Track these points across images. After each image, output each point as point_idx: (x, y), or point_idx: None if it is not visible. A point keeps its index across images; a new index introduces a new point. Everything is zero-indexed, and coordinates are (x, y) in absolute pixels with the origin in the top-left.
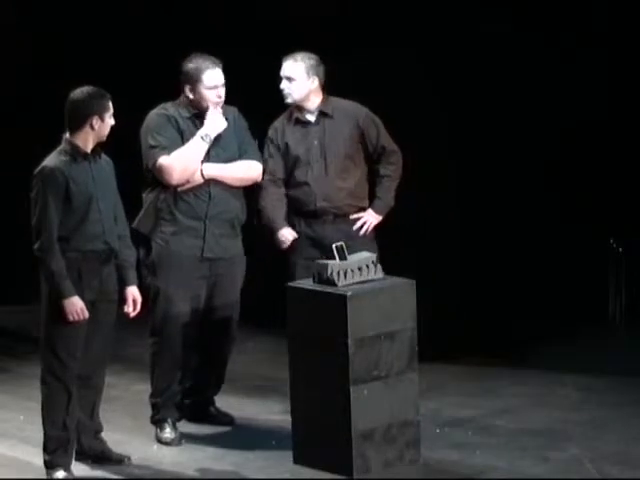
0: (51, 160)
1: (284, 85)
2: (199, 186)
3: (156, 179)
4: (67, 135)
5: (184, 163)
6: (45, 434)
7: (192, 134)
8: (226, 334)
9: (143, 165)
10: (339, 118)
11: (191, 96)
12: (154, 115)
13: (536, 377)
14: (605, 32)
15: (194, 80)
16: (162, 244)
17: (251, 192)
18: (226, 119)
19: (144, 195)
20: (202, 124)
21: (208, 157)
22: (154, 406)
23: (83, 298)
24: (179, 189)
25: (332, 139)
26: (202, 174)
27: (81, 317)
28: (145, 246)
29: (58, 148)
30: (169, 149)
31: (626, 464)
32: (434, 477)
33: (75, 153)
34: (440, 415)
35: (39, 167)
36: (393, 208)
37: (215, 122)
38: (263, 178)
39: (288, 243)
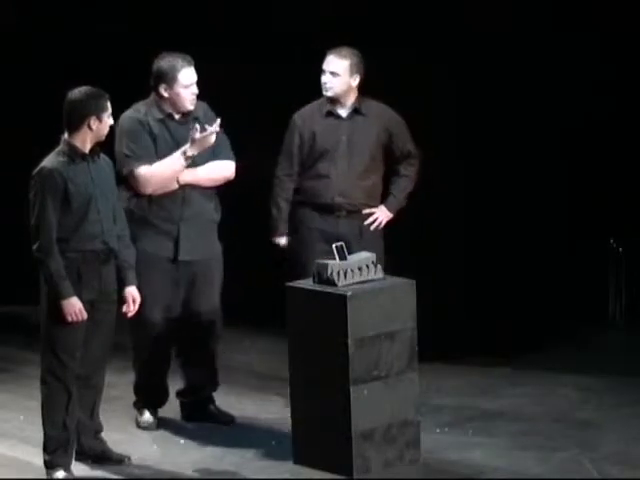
0: (49, 161)
1: (327, 79)
2: (173, 190)
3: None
4: (65, 136)
5: (161, 177)
6: (45, 434)
7: (164, 138)
8: (208, 333)
9: (116, 168)
10: (370, 118)
11: (166, 95)
12: (127, 119)
13: (536, 377)
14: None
15: (169, 78)
16: (135, 246)
17: (224, 191)
18: (195, 118)
19: (119, 191)
20: (174, 126)
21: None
22: (136, 393)
23: (82, 298)
24: (153, 193)
25: (361, 137)
26: (177, 180)
27: (80, 318)
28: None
29: (56, 149)
30: (143, 158)
31: (626, 464)
32: (434, 477)
33: (73, 154)
34: (440, 415)
35: (37, 168)
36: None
37: (203, 144)
38: (277, 174)
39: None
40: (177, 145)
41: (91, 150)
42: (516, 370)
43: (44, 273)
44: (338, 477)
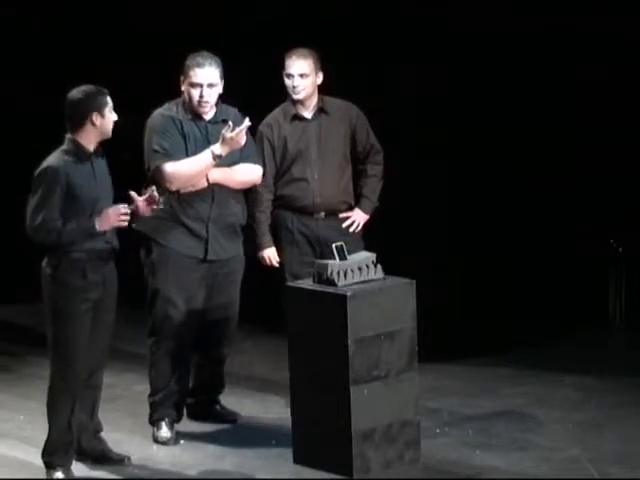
0: (55, 160)
1: (297, 82)
2: (202, 189)
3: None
4: (70, 135)
5: (188, 174)
6: (49, 435)
7: (195, 137)
8: (225, 334)
9: (145, 165)
10: (335, 116)
11: (183, 91)
12: (159, 116)
13: (536, 377)
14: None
15: (185, 75)
16: (163, 244)
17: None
18: (223, 121)
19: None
20: (206, 125)
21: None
22: (152, 405)
23: (89, 297)
24: (182, 191)
25: (330, 136)
26: (207, 178)
27: (123, 210)
28: (145, 246)
29: (60, 148)
30: (172, 155)
31: (626, 464)
32: (434, 477)
33: (79, 152)
34: (440, 415)
35: (41, 167)
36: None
37: (233, 145)
38: (252, 187)
39: (268, 263)
40: (208, 144)
41: (95, 150)
42: (516, 370)
43: (64, 239)
44: (338, 477)
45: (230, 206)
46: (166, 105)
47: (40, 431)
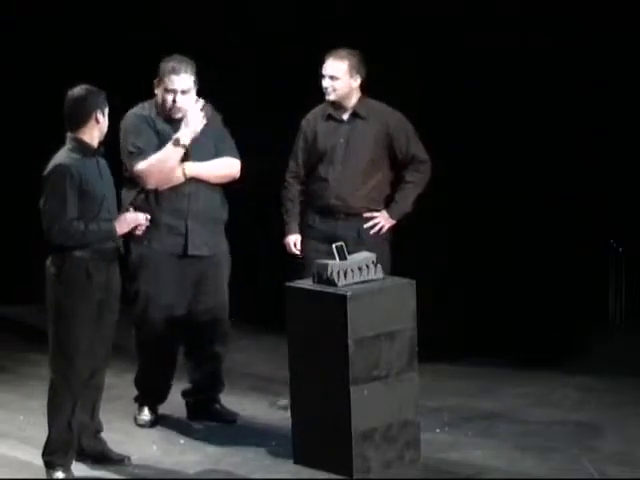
0: (63, 159)
1: (327, 83)
2: (180, 184)
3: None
4: (72, 133)
5: (159, 169)
6: (49, 434)
7: (169, 135)
8: (216, 332)
9: (122, 165)
10: (371, 121)
11: (158, 95)
12: (132, 116)
13: (536, 377)
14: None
15: (159, 79)
16: (143, 244)
17: (231, 190)
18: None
19: (123, 193)
20: (177, 123)
21: (187, 157)
22: (136, 389)
23: (93, 298)
24: (160, 189)
25: (359, 141)
26: (184, 173)
27: (141, 222)
28: (125, 247)
29: (65, 147)
30: (147, 154)
31: (626, 464)
32: (434, 477)
33: (84, 150)
34: (440, 415)
35: (51, 166)
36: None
37: (190, 126)
38: (286, 177)
39: (290, 250)
40: None
41: (97, 147)
42: (516, 370)
43: (86, 240)
44: (338, 477)
45: (209, 201)
46: (140, 105)
47: (40, 431)
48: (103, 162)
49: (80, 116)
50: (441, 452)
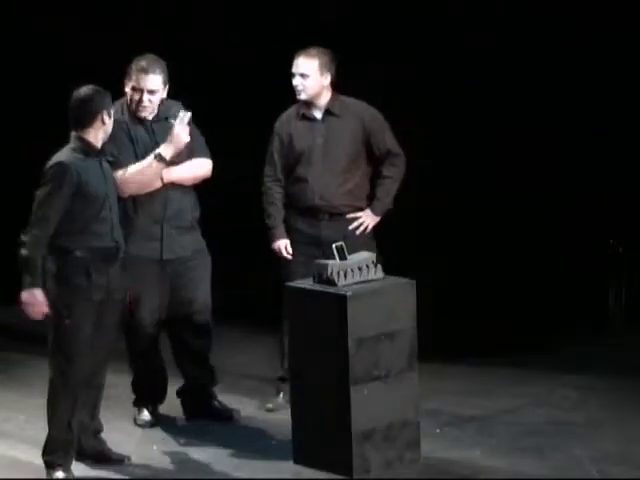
0: (65, 157)
1: (297, 82)
2: (157, 190)
3: None
4: (77, 133)
5: (138, 182)
6: (49, 434)
7: (142, 139)
8: (200, 330)
9: None
10: (345, 118)
11: (126, 92)
12: None
13: (536, 377)
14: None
15: (128, 77)
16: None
17: (202, 189)
18: (166, 119)
19: None
20: (152, 125)
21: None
22: (134, 392)
23: (92, 298)
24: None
25: (336, 138)
26: (161, 179)
27: (41, 311)
28: None
29: (68, 146)
30: (122, 161)
31: (626, 464)
32: (434, 477)
33: (88, 150)
34: (440, 415)
35: (52, 162)
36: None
37: (174, 142)
38: (264, 181)
39: (280, 254)
40: (156, 145)
41: (101, 148)
42: (516, 370)
43: (23, 259)
44: (338, 477)
45: (184, 203)
46: (115, 108)
47: (40, 431)
48: (106, 163)
49: (86, 116)
50: (441, 452)
